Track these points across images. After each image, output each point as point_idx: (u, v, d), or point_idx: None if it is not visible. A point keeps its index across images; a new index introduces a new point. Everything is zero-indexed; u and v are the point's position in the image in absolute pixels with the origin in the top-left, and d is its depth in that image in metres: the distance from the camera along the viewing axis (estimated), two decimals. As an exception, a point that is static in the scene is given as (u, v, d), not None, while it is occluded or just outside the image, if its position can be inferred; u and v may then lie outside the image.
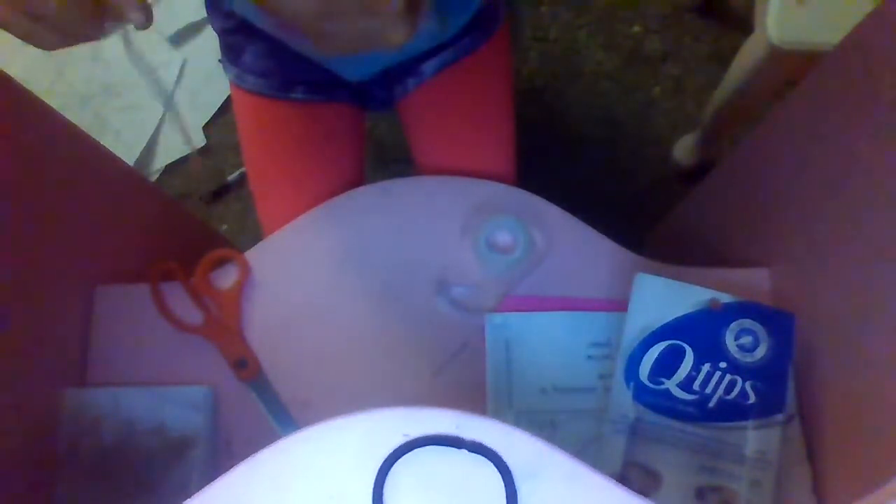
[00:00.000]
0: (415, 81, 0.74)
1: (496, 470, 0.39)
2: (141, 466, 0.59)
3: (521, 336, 0.62)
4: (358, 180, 0.76)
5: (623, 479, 0.56)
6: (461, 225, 0.66)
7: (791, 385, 0.58)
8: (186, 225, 0.92)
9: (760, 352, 0.58)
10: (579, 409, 0.60)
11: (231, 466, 0.40)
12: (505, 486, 0.39)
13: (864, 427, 0.51)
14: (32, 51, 0.36)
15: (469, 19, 0.70)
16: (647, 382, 0.58)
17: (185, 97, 1.40)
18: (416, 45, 0.69)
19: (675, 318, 0.59)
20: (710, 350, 0.58)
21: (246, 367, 0.62)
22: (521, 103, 0.79)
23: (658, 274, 0.60)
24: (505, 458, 0.39)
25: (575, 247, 0.65)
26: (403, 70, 0.73)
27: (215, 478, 0.40)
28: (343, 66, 0.69)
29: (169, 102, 1.39)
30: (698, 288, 0.59)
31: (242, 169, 1.34)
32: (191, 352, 0.62)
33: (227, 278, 0.65)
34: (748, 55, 0.96)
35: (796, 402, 0.59)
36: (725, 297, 0.59)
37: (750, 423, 0.56)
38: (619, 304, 0.62)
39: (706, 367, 0.57)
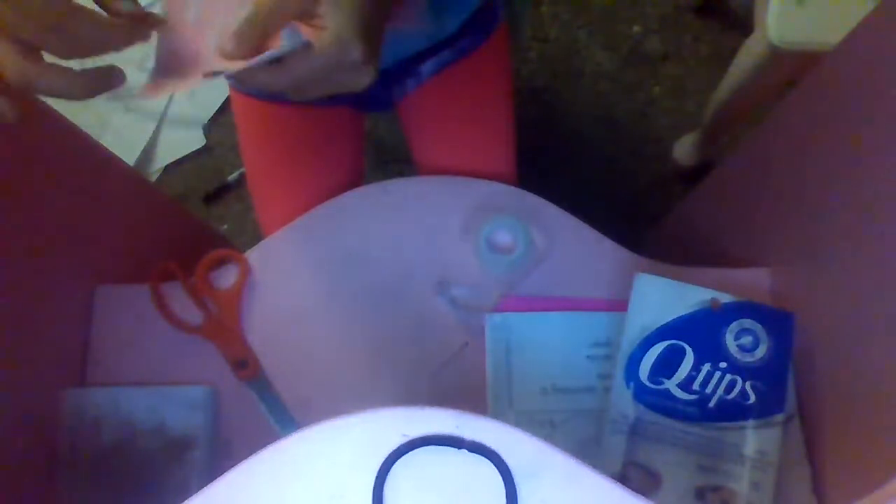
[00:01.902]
0: (414, 82, 0.74)
1: (496, 470, 0.39)
2: (141, 466, 0.59)
3: (521, 336, 0.62)
4: (358, 181, 0.76)
5: (623, 479, 0.56)
6: (461, 225, 0.66)
7: (791, 385, 0.58)
8: (186, 225, 0.92)
9: (760, 352, 0.58)
10: (579, 409, 0.60)
11: (231, 466, 0.40)
12: (505, 486, 0.39)
13: (864, 427, 0.51)
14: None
15: (467, 18, 0.70)
16: (647, 382, 0.58)
17: (185, 97, 1.40)
18: (413, 45, 0.69)
19: (675, 318, 0.59)
20: (711, 350, 0.58)
21: (246, 367, 0.62)
22: (521, 103, 0.79)
23: (658, 274, 0.60)
24: (505, 458, 0.39)
25: (575, 247, 0.65)
26: (402, 71, 0.73)
27: (215, 478, 0.40)
28: None
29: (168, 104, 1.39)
30: (698, 288, 0.59)
31: (242, 169, 1.34)
32: (191, 352, 0.62)
33: (227, 278, 0.65)
34: (748, 55, 0.96)
35: (796, 402, 0.59)
36: (725, 297, 0.59)
37: (750, 423, 0.56)
38: (619, 304, 0.62)
39: (706, 367, 0.57)
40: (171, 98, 1.40)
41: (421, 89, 0.74)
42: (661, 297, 0.59)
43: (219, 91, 1.39)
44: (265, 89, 0.38)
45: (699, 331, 0.58)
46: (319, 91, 0.38)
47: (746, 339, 0.58)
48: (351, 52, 0.36)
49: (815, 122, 0.58)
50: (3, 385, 0.54)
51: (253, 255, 0.66)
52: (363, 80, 0.38)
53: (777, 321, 0.58)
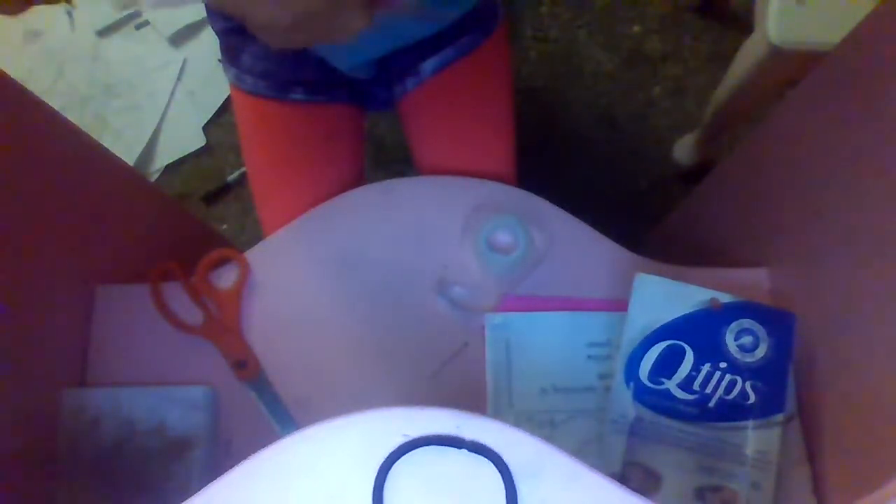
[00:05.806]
0: (414, 81, 0.74)
1: (496, 470, 0.39)
2: (141, 466, 0.59)
3: (521, 336, 0.62)
4: (358, 180, 0.76)
5: (623, 479, 0.56)
6: (461, 225, 0.66)
7: (791, 385, 0.58)
8: (186, 225, 0.92)
9: (760, 352, 0.58)
10: (579, 409, 0.60)
11: (231, 466, 0.40)
12: (505, 486, 0.39)
13: (864, 427, 0.51)
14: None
15: (468, 13, 0.70)
16: (647, 382, 0.58)
17: (185, 97, 1.40)
18: (413, 32, 0.69)
19: (675, 318, 0.59)
20: (711, 350, 0.58)
21: (246, 367, 0.62)
22: (521, 103, 0.79)
23: (658, 274, 0.60)
24: (505, 458, 0.39)
25: (575, 247, 0.65)
26: (403, 69, 0.73)
27: (215, 478, 0.40)
28: (334, 54, 0.68)
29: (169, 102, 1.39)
30: (698, 288, 0.59)
31: (242, 169, 1.34)
32: (191, 352, 0.62)
33: (227, 278, 0.65)
34: (748, 55, 0.96)
35: (796, 402, 0.59)
36: (725, 297, 0.59)
37: (750, 423, 0.56)
38: (619, 304, 0.62)
39: (706, 367, 0.57)
40: (171, 98, 1.40)
41: (421, 88, 0.74)
42: (661, 297, 0.59)
43: (219, 91, 1.39)
44: (253, 20, 0.37)
45: (699, 331, 0.58)
46: (311, 35, 0.38)
47: (746, 339, 0.58)
48: None
49: (815, 122, 0.58)
50: (3, 385, 0.54)
51: (253, 255, 0.66)
52: (358, 24, 0.38)
53: (777, 321, 0.58)
